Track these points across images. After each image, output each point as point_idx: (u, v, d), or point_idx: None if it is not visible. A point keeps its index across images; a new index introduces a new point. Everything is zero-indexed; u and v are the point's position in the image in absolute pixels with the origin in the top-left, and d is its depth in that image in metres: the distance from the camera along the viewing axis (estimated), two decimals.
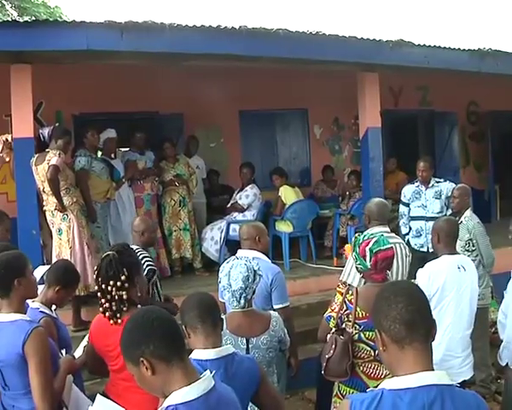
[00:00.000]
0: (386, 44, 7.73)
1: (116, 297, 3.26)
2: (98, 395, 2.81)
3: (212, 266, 8.31)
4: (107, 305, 3.28)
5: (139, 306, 3.32)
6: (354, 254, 3.72)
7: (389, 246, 3.69)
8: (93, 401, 3.33)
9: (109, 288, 3.25)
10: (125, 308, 3.28)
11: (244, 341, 3.57)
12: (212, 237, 8.32)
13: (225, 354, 2.86)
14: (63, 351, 3.51)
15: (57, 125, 7.04)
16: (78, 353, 3.80)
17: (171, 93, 9.02)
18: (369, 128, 8.30)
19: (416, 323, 2.10)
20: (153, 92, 8.91)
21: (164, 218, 8.20)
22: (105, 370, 3.49)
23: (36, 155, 6.50)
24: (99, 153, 7.73)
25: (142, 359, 2.15)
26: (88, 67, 7.90)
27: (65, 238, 6.49)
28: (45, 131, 6.76)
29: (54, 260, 6.30)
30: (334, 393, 3.81)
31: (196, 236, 8.37)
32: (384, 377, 3.57)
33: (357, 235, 3.85)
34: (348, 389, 3.68)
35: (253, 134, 10.27)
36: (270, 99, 9.73)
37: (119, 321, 3.27)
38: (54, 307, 3.90)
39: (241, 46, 6.84)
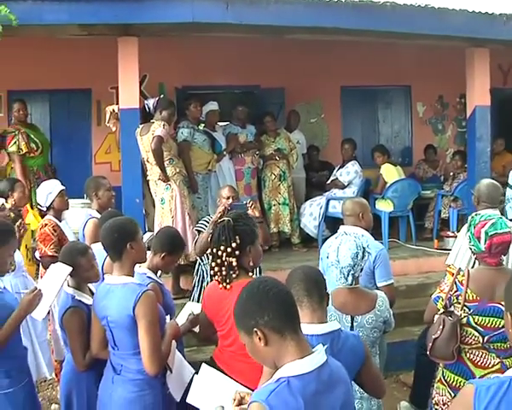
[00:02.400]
0: (500, 18, 7.33)
1: (226, 263, 3.31)
2: (203, 365, 2.82)
3: (309, 242, 8.30)
4: (216, 269, 3.34)
5: (251, 274, 3.34)
6: (469, 234, 3.55)
7: (507, 230, 3.49)
8: (194, 368, 3.39)
9: (220, 252, 3.31)
10: (234, 275, 3.32)
11: (349, 318, 3.50)
12: (311, 213, 8.25)
13: (331, 330, 2.80)
14: (167, 317, 3.55)
15: (162, 96, 7.16)
16: (180, 320, 3.85)
17: (272, 67, 8.95)
18: (477, 106, 7.94)
19: None
20: (254, 66, 8.89)
21: (263, 192, 8.20)
22: (216, 338, 3.53)
23: (141, 126, 6.63)
24: (201, 125, 7.79)
25: (255, 329, 2.12)
26: (191, 39, 7.97)
27: (167, 208, 6.60)
28: (150, 103, 6.90)
29: (156, 228, 6.44)
30: (438, 378, 3.70)
31: (295, 211, 8.33)
32: (492, 366, 3.43)
33: (474, 214, 3.68)
34: (453, 375, 3.56)
35: (354, 110, 10.08)
36: (372, 75, 9.49)
37: (228, 286, 3.31)
38: (159, 273, 3.97)
39: (347, 19, 6.69)
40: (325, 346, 2.26)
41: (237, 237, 3.32)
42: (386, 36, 7.37)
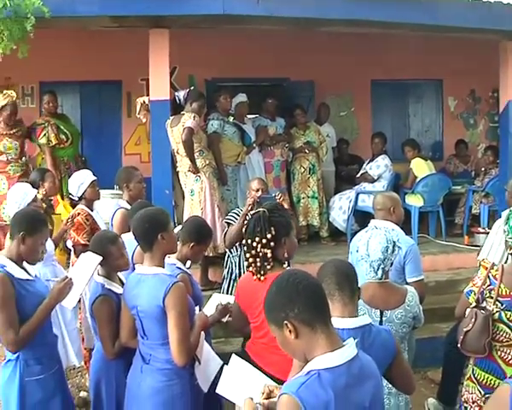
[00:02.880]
0: None
1: (260, 254, 3.31)
2: (234, 356, 2.82)
3: (338, 236, 8.28)
4: (251, 260, 3.35)
5: (285, 266, 3.33)
6: (506, 227, 3.51)
7: None
8: (222, 360, 3.40)
9: (254, 243, 3.32)
10: (268, 266, 3.32)
11: (378, 313, 3.47)
12: (341, 207, 8.22)
13: (362, 324, 2.78)
14: (196, 308, 3.56)
15: (192, 88, 7.16)
16: (207, 311, 3.86)
17: (302, 60, 8.90)
18: (511, 101, 7.82)
19: None
20: (284, 58, 8.86)
21: (293, 184, 8.19)
22: (248, 330, 3.54)
23: (171, 118, 6.66)
24: (230, 117, 7.79)
25: (285, 322, 2.12)
26: (221, 31, 7.97)
27: (197, 199, 6.62)
28: (181, 94, 6.92)
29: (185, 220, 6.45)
30: (467, 376, 3.66)
31: (324, 204, 8.30)
32: None
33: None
34: (484, 373, 3.52)
35: (384, 104, 10.02)
36: (403, 68, 9.43)
37: (262, 278, 3.32)
38: (188, 264, 3.98)
39: (379, 12, 6.65)
40: (356, 340, 2.24)
41: (272, 229, 3.32)
42: (418, 29, 7.31)
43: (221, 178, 7.02)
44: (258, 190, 5.35)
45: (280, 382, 2.64)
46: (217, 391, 2.76)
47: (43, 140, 7.36)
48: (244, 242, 3.44)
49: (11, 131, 7.22)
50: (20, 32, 5.90)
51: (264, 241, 3.30)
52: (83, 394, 5.30)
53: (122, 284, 3.77)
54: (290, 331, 2.12)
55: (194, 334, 3.30)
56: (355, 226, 7.99)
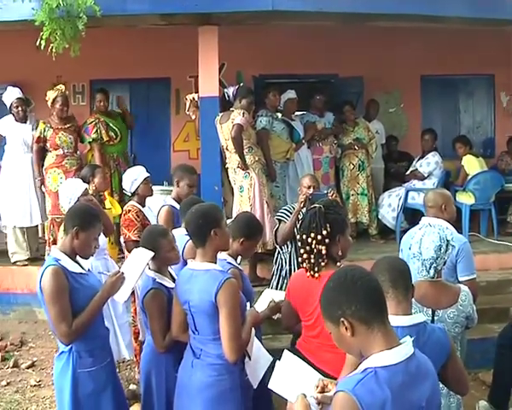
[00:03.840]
0: None
1: (315, 250, 3.29)
2: (286, 351, 2.80)
3: (387, 234, 8.19)
4: (305, 256, 3.33)
5: (339, 265, 3.30)
6: None
7: None
8: (271, 356, 3.39)
9: (309, 239, 3.30)
10: (323, 263, 3.30)
11: (429, 312, 3.42)
12: (390, 204, 8.13)
13: (417, 322, 2.76)
14: (247, 303, 3.57)
15: (241, 85, 7.17)
16: (258, 307, 3.85)
17: (351, 55, 8.85)
18: None
19: None
20: (332, 54, 8.82)
21: (342, 181, 8.13)
22: (299, 327, 3.53)
23: (220, 114, 6.70)
24: (279, 114, 7.77)
25: (342, 319, 2.10)
26: (269, 28, 7.97)
27: (246, 196, 6.63)
28: (230, 91, 6.94)
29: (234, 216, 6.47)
30: None
31: (373, 201, 8.22)
32: None
33: None
34: None
35: (434, 100, 9.84)
36: (453, 64, 9.25)
37: (316, 275, 3.29)
38: (238, 259, 3.99)
39: (430, 6, 6.54)
40: (412, 338, 2.21)
41: (328, 225, 3.29)
42: (469, 22, 7.16)
43: (270, 174, 7.01)
44: (309, 187, 5.36)
45: (333, 379, 2.63)
46: (269, 387, 2.75)
47: (94, 135, 7.48)
48: (298, 237, 3.41)
49: (65, 126, 7.40)
50: (72, 31, 6.02)
51: (319, 237, 3.27)
52: (132, 387, 5.37)
53: (172, 278, 3.81)
54: (346, 329, 2.10)
55: (245, 330, 3.30)
56: (404, 224, 7.90)
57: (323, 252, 3.28)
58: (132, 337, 5.36)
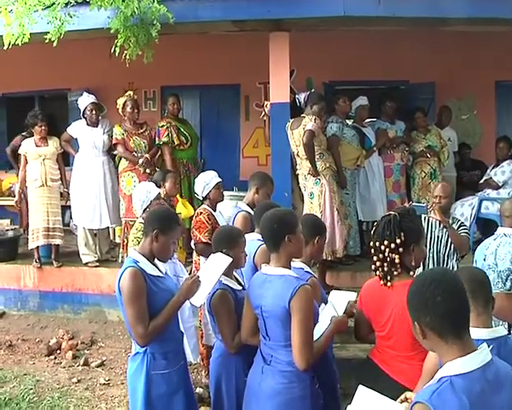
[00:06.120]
0: None
1: (388, 259, 3.21)
2: (360, 387, 2.69)
3: None
4: (378, 264, 3.26)
5: (411, 274, 3.22)
6: None
7: None
8: (340, 366, 3.32)
9: (383, 247, 3.23)
10: (396, 273, 3.22)
11: (506, 325, 3.29)
12: (462, 214, 7.90)
13: (498, 336, 2.65)
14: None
15: (312, 91, 7.14)
16: (327, 310, 3.79)
17: (422, 61, 8.65)
18: None
19: None
20: (403, 60, 8.68)
21: (412, 190, 7.92)
22: (372, 337, 3.46)
23: (291, 120, 6.67)
24: (349, 120, 7.69)
25: (416, 323, 2.11)
26: (339, 33, 7.92)
27: (316, 202, 6.58)
28: (301, 97, 6.92)
29: None
30: None
31: None
32: None
33: None
34: None
35: (509, 107, 9.48)
36: None
37: (389, 284, 3.23)
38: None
39: (507, 8, 6.30)
40: (491, 346, 2.15)
41: (402, 234, 3.21)
42: None
43: (340, 181, 6.94)
44: (436, 197, 5.25)
45: (409, 391, 2.55)
46: None
47: (165, 139, 7.56)
48: (371, 244, 3.33)
49: (139, 131, 7.54)
50: (145, 38, 6.13)
51: (392, 245, 3.20)
52: (199, 390, 5.40)
53: (237, 281, 3.83)
54: (418, 331, 2.13)
55: (323, 338, 3.27)
56: (477, 234, 7.67)
57: (397, 261, 3.20)
58: (199, 341, 5.40)
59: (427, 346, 2.18)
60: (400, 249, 3.20)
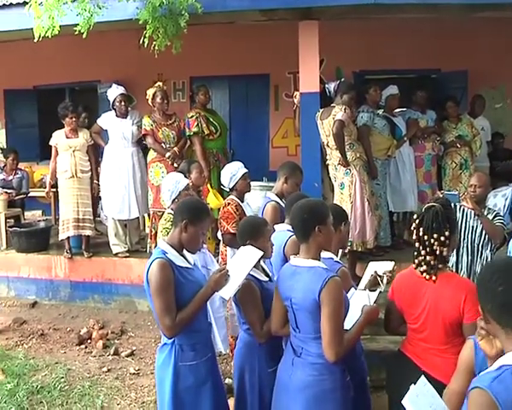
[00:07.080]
0: None
1: (437, 252, 3.15)
2: (422, 377, 2.64)
3: None
4: (428, 258, 3.18)
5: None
6: None
7: None
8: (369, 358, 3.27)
9: (432, 240, 3.16)
10: (440, 265, 3.16)
11: None
12: (495, 204, 7.74)
13: None
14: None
15: (343, 80, 7.05)
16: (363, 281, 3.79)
17: (454, 49, 8.54)
18: None
19: None
20: (435, 48, 8.57)
21: (443, 180, 7.80)
22: (403, 329, 3.40)
23: (321, 110, 6.62)
24: (380, 110, 7.59)
25: (480, 308, 2.19)
26: (368, 22, 7.83)
27: (346, 193, 6.54)
28: (331, 86, 6.85)
29: None
30: None
31: None
32: None
33: None
34: None
35: None
36: None
37: (434, 277, 3.16)
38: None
39: None
40: None
41: (448, 226, 3.16)
42: None
43: (371, 171, 6.86)
44: (471, 186, 5.19)
45: (442, 385, 2.50)
46: (402, 403, 2.60)
47: (195, 129, 7.54)
48: (415, 237, 3.25)
49: (168, 122, 7.55)
50: (174, 29, 6.12)
51: (442, 238, 3.13)
52: (228, 381, 5.38)
53: (264, 272, 3.79)
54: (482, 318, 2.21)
55: (354, 329, 3.21)
56: (511, 225, 7.52)
57: (444, 253, 3.15)
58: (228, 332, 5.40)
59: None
60: (447, 242, 3.15)
